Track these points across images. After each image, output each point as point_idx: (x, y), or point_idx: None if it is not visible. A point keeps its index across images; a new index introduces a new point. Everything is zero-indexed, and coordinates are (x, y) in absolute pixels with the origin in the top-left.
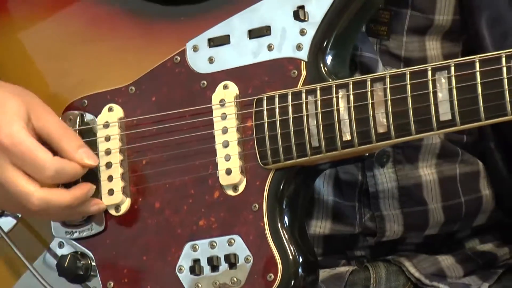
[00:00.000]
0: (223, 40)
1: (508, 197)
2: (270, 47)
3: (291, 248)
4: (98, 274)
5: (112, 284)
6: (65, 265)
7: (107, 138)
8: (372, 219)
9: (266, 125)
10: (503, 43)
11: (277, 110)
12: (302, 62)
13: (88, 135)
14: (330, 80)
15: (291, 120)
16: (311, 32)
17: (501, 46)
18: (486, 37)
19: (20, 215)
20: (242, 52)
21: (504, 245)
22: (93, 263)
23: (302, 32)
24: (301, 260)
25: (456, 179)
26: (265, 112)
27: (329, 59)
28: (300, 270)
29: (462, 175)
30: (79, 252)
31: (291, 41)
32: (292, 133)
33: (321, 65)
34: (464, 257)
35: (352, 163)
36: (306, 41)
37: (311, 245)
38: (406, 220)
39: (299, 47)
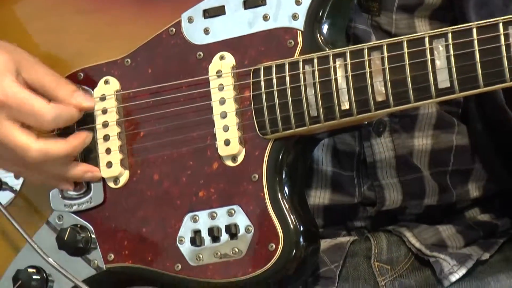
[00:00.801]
0: (218, 11)
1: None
2: (265, 17)
3: (292, 217)
4: (98, 247)
5: (112, 256)
6: (65, 238)
7: (104, 111)
8: (371, 188)
9: (263, 95)
10: None
11: (274, 80)
12: (299, 31)
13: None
14: (327, 49)
15: (288, 90)
16: (306, 1)
17: None
18: (473, 19)
19: (17, 189)
20: (238, 23)
21: (504, 215)
22: (93, 236)
23: (298, 2)
24: (302, 229)
25: (451, 150)
26: (262, 83)
27: (325, 28)
28: (301, 239)
29: (459, 146)
30: (78, 225)
31: (287, 11)
32: (290, 103)
33: (318, 34)
34: (464, 227)
35: (350, 131)
36: (302, 11)
37: (312, 215)
38: (404, 188)
39: (295, 17)
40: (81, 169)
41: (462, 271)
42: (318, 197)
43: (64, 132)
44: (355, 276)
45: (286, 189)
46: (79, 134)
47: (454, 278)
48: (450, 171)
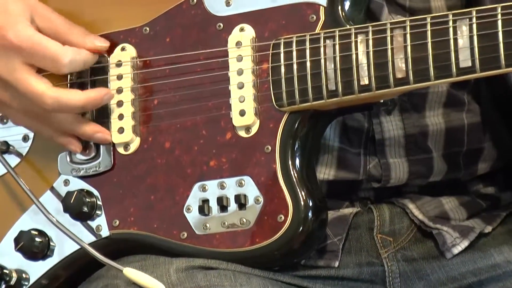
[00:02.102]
0: None
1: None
2: None
3: (302, 190)
4: (103, 213)
5: (117, 222)
6: (71, 201)
7: (119, 77)
8: (377, 167)
9: (282, 67)
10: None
11: (294, 53)
12: (321, 7)
13: (99, 73)
14: (348, 25)
15: (308, 63)
16: None
17: (501, 2)
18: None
19: (25, 152)
20: None
21: (507, 188)
22: (99, 202)
23: None
24: (311, 203)
25: (464, 129)
26: (282, 55)
27: (347, 5)
28: (310, 213)
29: (470, 125)
30: (85, 190)
31: None
32: (309, 76)
33: (340, 10)
34: (467, 199)
35: (364, 110)
36: None
37: (321, 190)
38: (411, 168)
39: None
40: (92, 128)
41: (465, 244)
42: (323, 173)
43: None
44: (358, 248)
45: (297, 162)
46: (99, 88)
47: (456, 250)
48: (464, 152)
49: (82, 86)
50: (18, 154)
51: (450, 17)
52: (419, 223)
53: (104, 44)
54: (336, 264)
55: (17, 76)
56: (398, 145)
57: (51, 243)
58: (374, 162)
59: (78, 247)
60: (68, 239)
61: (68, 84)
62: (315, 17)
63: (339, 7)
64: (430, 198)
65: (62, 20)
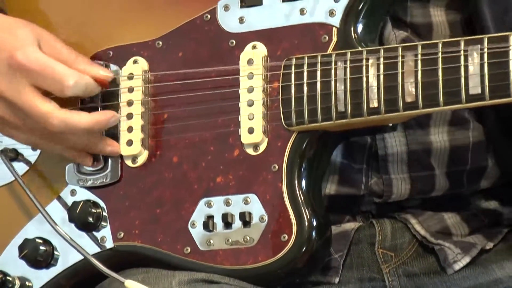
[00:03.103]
0: (256, 1)
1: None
2: (302, 11)
3: (307, 211)
4: (108, 224)
5: (122, 234)
6: (77, 210)
7: (130, 90)
8: (378, 183)
9: (293, 86)
10: (503, 18)
11: (305, 73)
12: (334, 28)
13: (111, 85)
14: (359, 47)
15: (318, 84)
16: None
17: (501, 21)
18: (486, 13)
19: (33, 161)
20: (274, 15)
21: (509, 204)
22: (104, 214)
23: None
24: (315, 224)
25: (468, 148)
26: (293, 74)
27: (360, 27)
28: (314, 233)
29: (475, 143)
30: (91, 201)
31: (324, 7)
32: (318, 96)
33: (352, 32)
34: (469, 215)
35: (373, 134)
36: (340, 8)
37: (325, 210)
38: (413, 184)
39: (332, 13)
40: (102, 142)
41: (466, 260)
42: (324, 187)
43: (87, 108)
44: (359, 263)
45: (304, 182)
46: (106, 111)
47: (458, 266)
48: (468, 170)
49: (92, 99)
50: (27, 162)
51: (462, 43)
52: (421, 238)
53: (108, 74)
54: (337, 280)
55: (23, 97)
56: (401, 161)
57: (56, 252)
58: (376, 178)
59: (82, 257)
60: (73, 249)
61: (79, 100)
62: (327, 37)
63: (352, 29)
64: (432, 213)
65: (68, 49)
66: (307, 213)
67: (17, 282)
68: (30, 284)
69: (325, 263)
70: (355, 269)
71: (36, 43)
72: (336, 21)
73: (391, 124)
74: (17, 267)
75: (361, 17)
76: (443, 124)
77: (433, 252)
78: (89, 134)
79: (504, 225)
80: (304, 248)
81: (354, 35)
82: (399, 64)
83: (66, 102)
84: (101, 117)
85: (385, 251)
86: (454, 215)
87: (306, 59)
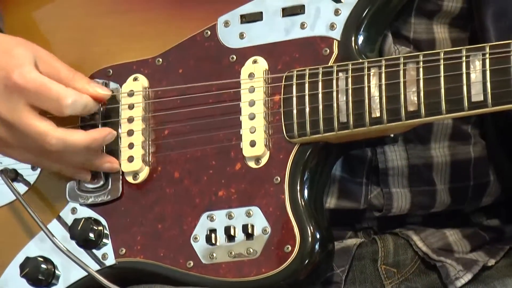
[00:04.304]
0: (256, 17)
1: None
2: (303, 25)
3: (310, 222)
4: (110, 241)
5: (124, 250)
6: (78, 228)
7: (131, 106)
8: (378, 197)
9: (294, 99)
10: (507, 37)
11: (306, 85)
12: (335, 41)
13: (111, 103)
14: (360, 59)
15: (320, 95)
16: (345, 12)
17: (506, 38)
18: (491, 30)
19: (33, 181)
20: (274, 29)
21: (510, 221)
22: (106, 231)
23: (337, 12)
24: (318, 235)
25: (470, 163)
26: (294, 86)
27: (360, 39)
28: (317, 245)
29: (477, 159)
30: (92, 218)
31: (325, 21)
32: (320, 108)
33: (353, 44)
34: (471, 232)
35: (374, 145)
36: (340, 21)
37: (327, 223)
38: (413, 199)
39: (332, 27)
40: (100, 159)
41: (468, 277)
42: (324, 201)
43: (88, 126)
44: (362, 279)
45: (306, 193)
46: (102, 128)
47: (460, 283)
48: (472, 186)
49: (93, 117)
50: (26, 182)
51: (464, 52)
52: (422, 255)
53: (106, 92)
54: None
55: (20, 117)
56: (401, 175)
57: (57, 271)
58: (376, 192)
59: (83, 275)
60: (73, 268)
61: (80, 118)
62: (328, 50)
63: (353, 41)
64: (434, 230)
65: (65, 67)
66: (311, 224)
67: None
68: None
69: (327, 278)
70: (357, 284)
71: (33, 62)
72: (337, 34)
73: (392, 135)
74: (18, 286)
75: (361, 29)
76: (443, 138)
77: (435, 268)
78: (87, 152)
79: (506, 242)
80: (308, 259)
81: (355, 47)
82: (401, 73)
83: (66, 120)
84: (98, 134)
85: (388, 267)
86: (456, 232)
87: (307, 71)
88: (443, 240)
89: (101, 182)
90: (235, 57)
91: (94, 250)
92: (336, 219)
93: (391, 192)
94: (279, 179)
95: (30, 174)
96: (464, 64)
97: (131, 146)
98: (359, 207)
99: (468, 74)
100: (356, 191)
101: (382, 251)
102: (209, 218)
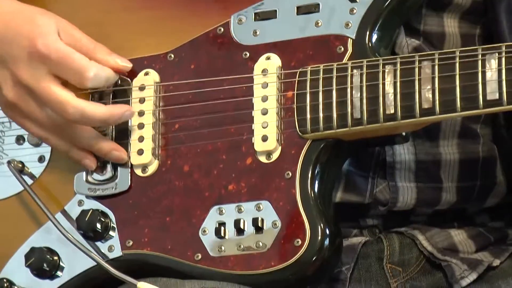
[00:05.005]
0: (270, 15)
1: None
2: (317, 24)
3: (321, 217)
4: (116, 234)
5: (131, 242)
6: (86, 219)
7: (141, 100)
8: (383, 191)
9: (308, 95)
10: None
11: (321, 81)
12: (349, 39)
13: (122, 96)
14: (374, 57)
15: (334, 91)
16: (361, 11)
17: None
18: (504, 23)
19: (39, 173)
20: (288, 27)
21: None
22: (113, 224)
23: (352, 11)
24: (328, 231)
25: (478, 162)
26: (308, 82)
27: (375, 37)
28: (327, 240)
29: (485, 159)
30: (99, 210)
31: (340, 19)
32: (334, 104)
33: (367, 42)
34: (476, 233)
35: (386, 144)
36: (355, 20)
37: (335, 219)
38: (419, 194)
39: (347, 25)
40: (109, 146)
41: (473, 276)
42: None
43: None
44: (367, 277)
45: (317, 188)
46: (121, 105)
47: (465, 282)
48: (478, 186)
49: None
50: (33, 175)
51: (479, 50)
52: (428, 254)
53: (126, 64)
54: None
55: (42, 84)
56: (408, 169)
57: (61, 263)
58: (381, 186)
59: (87, 267)
60: (78, 260)
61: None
62: (342, 48)
63: (367, 40)
64: (439, 229)
65: (87, 38)
66: (321, 219)
67: None
68: None
69: (333, 276)
70: (363, 282)
71: (56, 31)
72: (351, 32)
73: (404, 134)
74: (22, 276)
75: (376, 29)
76: (452, 136)
77: (441, 268)
78: (99, 134)
79: (511, 243)
80: (317, 253)
81: (369, 45)
82: (416, 70)
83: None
84: (116, 110)
85: (393, 266)
86: (461, 232)
87: (321, 67)
88: (448, 240)
89: (109, 175)
90: (248, 54)
91: (100, 242)
92: (341, 214)
93: (397, 186)
94: (290, 174)
95: (37, 167)
96: (480, 62)
97: (141, 139)
98: (364, 201)
99: (483, 73)
100: (362, 185)
101: (387, 249)
102: (218, 212)
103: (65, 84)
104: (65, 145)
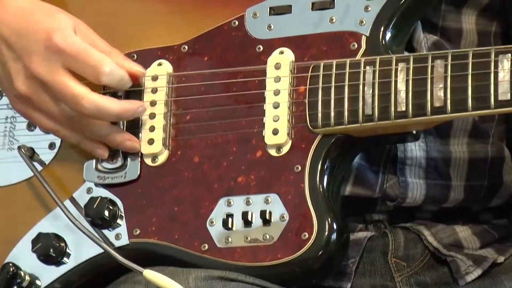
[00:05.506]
0: (285, 10)
1: None
2: (331, 20)
3: (329, 211)
4: (124, 222)
5: (138, 231)
6: (94, 206)
7: (154, 90)
8: (393, 187)
9: (320, 90)
10: None
11: (333, 76)
12: (363, 36)
13: (134, 85)
14: (388, 54)
15: (346, 87)
16: (376, 9)
17: None
18: None
19: (49, 159)
20: (303, 23)
21: None
22: (121, 212)
23: (367, 9)
24: (335, 225)
25: (486, 161)
26: (320, 77)
27: (388, 35)
28: (334, 234)
29: (493, 158)
30: (108, 198)
31: (354, 16)
32: (346, 100)
33: (382, 40)
34: (480, 230)
35: (396, 142)
36: (370, 18)
37: (344, 215)
38: (428, 191)
39: (361, 22)
40: (122, 136)
41: (478, 272)
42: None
43: None
44: (372, 271)
45: (325, 183)
46: (134, 101)
47: (470, 278)
48: (486, 186)
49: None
50: (43, 161)
51: (492, 51)
52: (433, 250)
53: (141, 69)
54: (349, 286)
55: (57, 78)
56: (418, 166)
57: (68, 250)
58: (391, 182)
59: (94, 254)
60: (84, 247)
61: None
62: (356, 45)
63: (381, 38)
64: (444, 225)
65: (102, 41)
66: (329, 214)
67: (27, 278)
68: (39, 282)
69: (338, 269)
70: (368, 276)
71: (73, 28)
72: (365, 30)
73: (414, 132)
74: (28, 262)
75: (390, 27)
76: (463, 135)
77: (445, 263)
78: (111, 126)
79: None
80: (324, 247)
81: (382, 42)
82: (429, 69)
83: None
84: (130, 105)
85: (398, 261)
86: (465, 229)
87: (335, 62)
88: (453, 236)
89: (119, 163)
90: (261, 48)
91: (107, 230)
92: (348, 207)
93: (407, 182)
94: (299, 167)
95: (47, 153)
96: (492, 63)
97: (152, 128)
98: (373, 196)
99: (496, 73)
100: (372, 179)
101: (392, 244)
102: (226, 203)
103: (79, 79)
104: (77, 137)
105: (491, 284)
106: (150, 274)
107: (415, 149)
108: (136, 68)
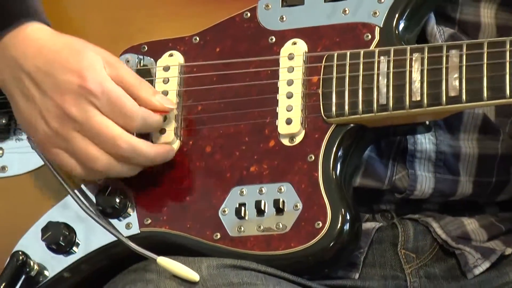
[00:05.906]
0: (297, 1)
1: None
2: (344, 11)
3: (342, 200)
4: (135, 211)
5: (149, 220)
6: (105, 194)
7: (165, 81)
8: (402, 179)
9: (334, 80)
10: None
11: (347, 66)
12: (377, 27)
13: (145, 76)
14: (401, 45)
15: (360, 77)
16: (389, 0)
17: None
18: None
19: None
20: (315, 14)
21: None
22: (132, 202)
23: (380, 0)
24: (348, 215)
25: (496, 158)
26: (334, 67)
27: (402, 26)
28: (347, 223)
29: (502, 155)
30: (119, 187)
31: (368, 8)
32: (360, 90)
33: (394, 30)
34: (488, 222)
35: (408, 134)
36: (383, 9)
37: (356, 205)
38: (437, 185)
39: (375, 14)
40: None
41: (486, 265)
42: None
43: None
44: (382, 262)
45: (338, 173)
46: (164, 145)
47: (478, 271)
48: (494, 182)
49: None
50: None
51: (508, 41)
52: (441, 242)
53: (171, 106)
54: (357, 276)
55: (93, 119)
56: (428, 159)
57: (77, 239)
58: (401, 174)
59: (103, 244)
60: (94, 236)
61: None
62: (370, 36)
63: (394, 28)
64: (452, 218)
65: (131, 72)
66: (342, 202)
67: (36, 267)
68: (47, 271)
69: None
70: (378, 267)
71: (103, 67)
72: (379, 21)
73: (427, 122)
74: (37, 250)
75: (403, 18)
76: (473, 130)
77: (454, 256)
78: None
79: None
80: (337, 236)
81: (396, 33)
82: (444, 59)
83: None
84: (161, 149)
85: (407, 252)
86: (473, 221)
87: (348, 52)
88: (461, 229)
89: None
90: (274, 39)
91: (117, 220)
92: (357, 198)
93: (416, 175)
94: (313, 157)
95: None
96: (508, 53)
97: (163, 118)
98: (382, 187)
99: (511, 63)
100: (382, 171)
101: (402, 235)
102: (239, 193)
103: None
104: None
105: (497, 276)
106: (164, 261)
107: (425, 142)
108: (167, 105)
